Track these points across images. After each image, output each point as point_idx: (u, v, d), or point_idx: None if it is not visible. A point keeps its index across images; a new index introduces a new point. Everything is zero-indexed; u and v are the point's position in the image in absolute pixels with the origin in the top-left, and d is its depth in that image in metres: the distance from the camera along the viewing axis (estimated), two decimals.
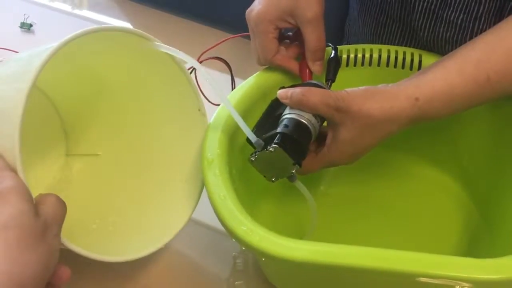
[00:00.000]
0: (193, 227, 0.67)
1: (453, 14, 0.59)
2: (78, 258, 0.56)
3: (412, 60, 0.65)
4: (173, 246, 0.65)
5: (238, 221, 0.49)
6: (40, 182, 0.63)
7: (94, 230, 0.59)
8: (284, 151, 0.53)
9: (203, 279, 0.63)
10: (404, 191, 0.69)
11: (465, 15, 0.58)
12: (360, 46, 0.67)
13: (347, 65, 0.67)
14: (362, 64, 0.67)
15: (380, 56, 0.66)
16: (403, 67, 0.66)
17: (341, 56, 0.67)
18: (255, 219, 0.63)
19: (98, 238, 0.57)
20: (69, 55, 0.50)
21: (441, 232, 0.65)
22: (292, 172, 0.55)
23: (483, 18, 0.58)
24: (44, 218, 0.41)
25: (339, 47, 0.67)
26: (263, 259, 0.48)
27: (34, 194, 0.60)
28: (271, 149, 0.53)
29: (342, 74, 0.65)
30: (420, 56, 0.65)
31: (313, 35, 0.59)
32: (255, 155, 0.54)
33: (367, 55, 0.67)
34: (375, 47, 0.67)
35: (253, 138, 0.54)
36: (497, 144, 0.62)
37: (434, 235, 0.65)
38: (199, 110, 0.59)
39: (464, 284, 0.45)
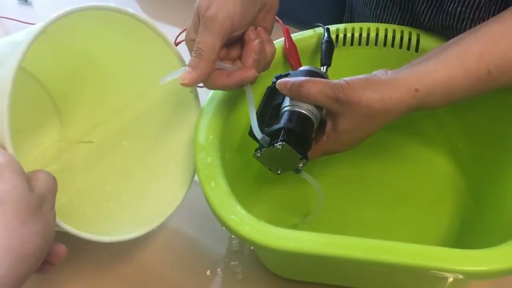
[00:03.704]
0: (190, 208, 0.67)
1: (452, 5, 0.58)
2: (73, 237, 0.57)
3: (409, 40, 0.64)
4: (169, 225, 0.66)
5: (228, 210, 0.50)
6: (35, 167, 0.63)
7: (87, 215, 0.59)
8: (292, 148, 0.52)
9: (198, 258, 0.63)
10: (398, 172, 0.69)
11: (463, 8, 0.57)
12: (357, 25, 0.66)
13: (344, 44, 0.66)
14: (359, 43, 0.66)
15: (377, 35, 0.65)
16: (400, 47, 0.65)
17: (337, 35, 0.66)
18: (256, 200, 0.65)
19: (92, 222, 0.58)
20: (55, 35, 0.50)
21: (434, 213, 0.65)
22: (299, 166, 0.55)
23: (483, 8, 0.56)
24: (38, 192, 0.41)
25: (334, 26, 0.66)
26: (252, 247, 0.49)
27: None
28: (278, 146, 0.52)
29: (338, 54, 0.64)
30: (418, 36, 0.64)
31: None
32: (261, 151, 0.54)
33: (364, 34, 0.66)
34: (373, 25, 0.66)
35: (259, 135, 0.53)
36: (494, 132, 0.61)
37: (427, 216, 0.65)
38: (191, 92, 0.58)
39: (457, 275, 0.46)
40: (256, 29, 0.55)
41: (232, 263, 0.62)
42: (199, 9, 0.52)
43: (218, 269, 0.62)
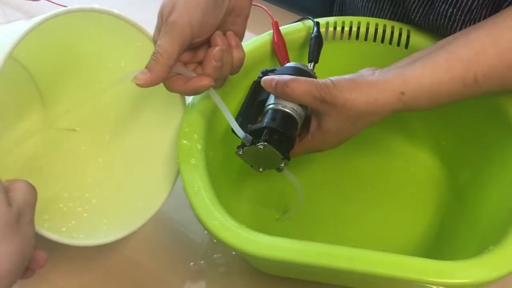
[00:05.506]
0: (174, 199, 0.67)
1: (443, 6, 0.57)
2: None
3: (400, 36, 0.63)
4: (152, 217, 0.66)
5: (211, 215, 0.50)
6: (18, 154, 0.63)
7: (70, 208, 0.59)
8: (274, 148, 0.52)
9: (182, 250, 0.64)
10: (381, 167, 0.69)
11: (455, 9, 0.56)
12: (347, 19, 0.65)
13: (333, 38, 0.65)
14: (349, 37, 0.65)
15: (367, 29, 0.64)
16: (390, 42, 0.64)
17: (327, 28, 0.65)
18: (240, 194, 0.65)
19: (73, 217, 0.58)
20: (46, 29, 0.50)
21: (416, 209, 0.65)
22: (280, 166, 0.55)
23: (475, 11, 0.55)
24: (17, 206, 0.40)
25: (324, 20, 0.65)
26: (233, 252, 0.49)
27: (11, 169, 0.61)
28: (260, 146, 0.52)
29: (327, 47, 0.63)
30: (409, 32, 0.63)
31: None
32: (243, 150, 0.54)
33: (354, 28, 0.64)
34: (363, 20, 0.64)
35: (241, 134, 0.53)
36: (476, 132, 0.62)
37: (409, 212, 0.65)
38: None
39: (437, 286, 0.47)
40: (225, 33, 0.54)
41: (215, 255, 0.63)
42: (162, 13, 0.51)
43: (201, 261, 0.63)
